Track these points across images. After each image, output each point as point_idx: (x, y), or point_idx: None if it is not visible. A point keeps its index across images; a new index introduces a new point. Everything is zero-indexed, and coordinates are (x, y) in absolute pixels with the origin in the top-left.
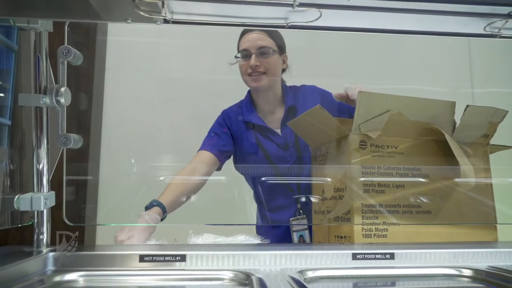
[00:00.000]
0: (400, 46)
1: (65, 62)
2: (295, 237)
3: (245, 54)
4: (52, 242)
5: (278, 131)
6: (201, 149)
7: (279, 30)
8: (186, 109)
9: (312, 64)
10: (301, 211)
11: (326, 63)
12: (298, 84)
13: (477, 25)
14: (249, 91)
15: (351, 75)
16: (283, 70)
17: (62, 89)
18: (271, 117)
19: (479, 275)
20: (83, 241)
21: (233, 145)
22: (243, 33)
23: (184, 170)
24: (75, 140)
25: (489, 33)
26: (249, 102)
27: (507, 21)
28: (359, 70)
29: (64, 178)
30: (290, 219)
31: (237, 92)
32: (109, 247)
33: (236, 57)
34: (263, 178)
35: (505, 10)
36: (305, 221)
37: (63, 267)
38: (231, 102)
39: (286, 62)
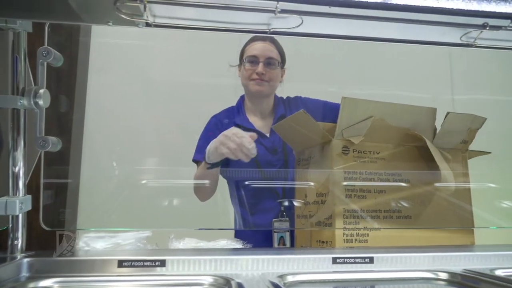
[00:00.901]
0: (382, 52)
1: (45, 63)
2: (275, 237)
3: (253, 60)
4: (28, 248)
5: (268, 135)
6: (196, 158)
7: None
8: (169, 112)
9: (295, 69)
10: (284, 213)
11: (309, 69)
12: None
13: (454, 35)
14: (242, 97)
15: (335, 81)
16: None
17: (41, 90)
18: (261, 122)
19: (454, 279)
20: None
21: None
22: (252, 40)
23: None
24: (54, 143)
25: (465, 42)
26: (241, 107)
27: (482, 32)
28: (342, 76)
29: (42, 181)
30: (273, 219)
31: (221, 96)
32: (87, 253)
33: (242, 60)
34: (247, 182)
35: (480, 21)
36: (287, 224)
37: (38, 273)
38: (216, 106)
39: (283, 76)
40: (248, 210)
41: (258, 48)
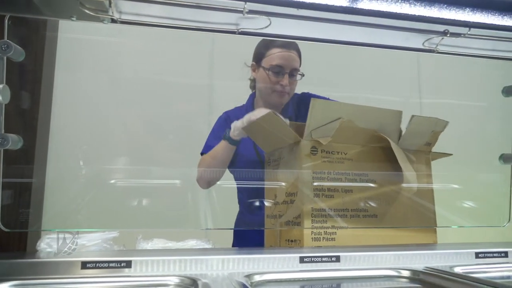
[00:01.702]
0: (353, 56)
1: (4, 57)
2: None
3: (278, 70)
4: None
5: None
6: (202, 152)
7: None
8: (139, 110)
9: None
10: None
11: None
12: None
13: (417, 40)
14: (252, 95)
15: (306, 82)
16: None
17: (0, 86)
18: None
19: (416, 276)
20: (26, 248)
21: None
22: (276, 46)
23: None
24: (14, 141)
25: (427, 48)
26: (251, 107)
27: (443, 38)
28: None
29: (1, 180)
30: None
31: (191, 94)
32: (49, 254)
33: (266, 69)
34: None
35: (441, 28)
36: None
37: None
38: (185, 105)
39: None
40: (248, 208)
41: (284, 57)
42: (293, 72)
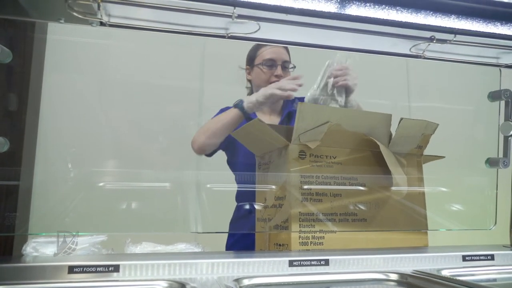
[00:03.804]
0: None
1: None
2: None
3: (271, 63)
4: None
5: None
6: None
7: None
8: (128, 113)
9: None
10: None
11: None
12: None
13: (404, 46)
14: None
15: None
16: None
17: None
18: (269, 119)
19: (403, 279)
20: (12, 252)
21: (226, 139)
22: (264, 45)
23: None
24: (0, 143)
25: (414, 54)
26: None
27: (429, 44)
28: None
29: None
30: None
31: (181, 97)
32: (36, 258)
33: (258, 65)
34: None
35: (428, 34)
36: None
37: None
38: (175, 107)
39: None
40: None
41: (274, 51)
42: (285, 64)
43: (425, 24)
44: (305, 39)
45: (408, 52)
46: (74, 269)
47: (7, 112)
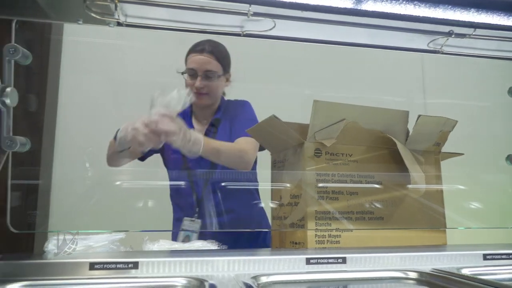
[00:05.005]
0: (356, 56)
1: (12, 61)
2: (181, 236)
3: (192, 73)
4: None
5: None
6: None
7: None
8: (143, 112)
9: (271, 72)
10: (197, 214)
11: (285, 72)
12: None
13: (421, 41)
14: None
15: (309, 84)
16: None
17: (8, 89)
18: (203, 126)
19: (423, 278)
20: (33, 248)
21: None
22: (192, 51)
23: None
24: (22, 143)
25: (432, 49)
26: (189, 111)
27: (448, 39)
28: (316, 79)
29: (9, 182)
30: (184, 217)
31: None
32: (58, 255)
33: (182, 73)
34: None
35: (446, 28)
36: (197, 226)
37: (5, 276)
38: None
39: (230, 79)
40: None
41: (195, 60)
42: (207, 74)
43: (443, 19)
44: (321, 36)
45: (426, 47)
46: (95, 266)
47: (26, 112)
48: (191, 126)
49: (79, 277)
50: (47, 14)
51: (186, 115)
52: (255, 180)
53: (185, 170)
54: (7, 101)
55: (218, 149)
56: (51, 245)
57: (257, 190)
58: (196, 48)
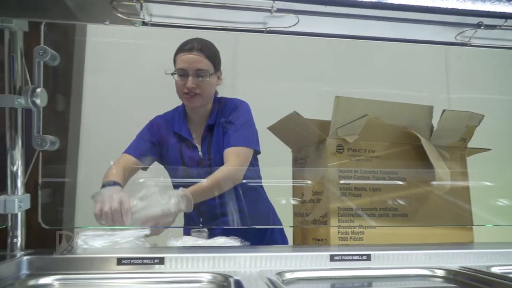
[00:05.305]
0: (379, 51)
1: (41, 62)
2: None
3: (182, 73)
4: (27, 246)
5: (199, 146)
6: (125, 151)
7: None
8: (164, 110)
9: (290, 68)
10: (201, 224)
11: (305, 68)
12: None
13: (448, 34)
14: (183, 103)
15: (330, 79)
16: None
17: (38, 89)
18: (197, 131)
19: (451, 275)
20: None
21: (157, 152)
22: (180, 50)
23: (112, 169)
24: (52, 142)
25: (460, 41)
26: (182, 114)
27: (476, 31)
28: (340, 74)
29: (40, 180)
30: (192, 230)
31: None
32: (86, 251)
33: (172, 74)
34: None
35: (475, 20)
36: (205, 235)
37: (38, 271)
38: None
39: (221, 77)
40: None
41: (185, 60)
42: (198, 73)
43: (472, 10)
44: (345, 30)
45: (453, 40)
46: (122, 261)
47: (52, 112)
48: (187, 133)
49: (107, 272)
50: (76, 16)
51: (181, 120)
52: (258, 177)
53: (186, 177)
54: (38, 101)
55: (209, 190)
56: (80, 241)
57: (261, 186)
58: (185, 47)
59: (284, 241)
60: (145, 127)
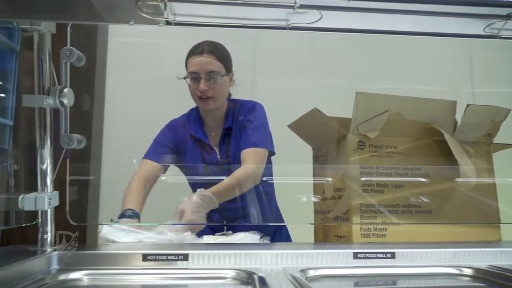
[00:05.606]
0: (400, 45)
1: (68, 63)
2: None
3: (194, 76)
4: (56, 242)
5: (217, 149)
6: (145, 157)
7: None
8: (185, 109)
9: (311, 64)
10: (225, 227)
11: (326, 63)
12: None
13: (476, 26)
14: (197, 106)
15: (352, 75)
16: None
17: (65, 90)
18: (214, 134)
19: (479, 274)
20: (85, 240)
21: (175, 156)
22: (191, 53)
23: (134, 181)
24: (78, 141)
25: (488, 34)
26: (197, 117)
27: (506, 22)
28: (359, 70)
29: (68, 178)
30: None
31: (238, 93)
32: (111, 246)
33: (185, 78)
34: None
35: (504, 11)
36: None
37: (67, 266)
38: None
39: (233, 78)
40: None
41: (197, 63)
42: (210, 75)
43: (502, 1)
44: (368, 25)
45: (482, 33)
46: (148, 257)
47: (77, 111)
48: (203, 136)
49: (133, 267)
50: (102, 17)
51: (196, 124)
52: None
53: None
54: (65, 101)
55: (231, 189)
56: (104, 230)
57: (273, 188)
58: (195, 51)
59: (288, 240)
60: (161, 132)
